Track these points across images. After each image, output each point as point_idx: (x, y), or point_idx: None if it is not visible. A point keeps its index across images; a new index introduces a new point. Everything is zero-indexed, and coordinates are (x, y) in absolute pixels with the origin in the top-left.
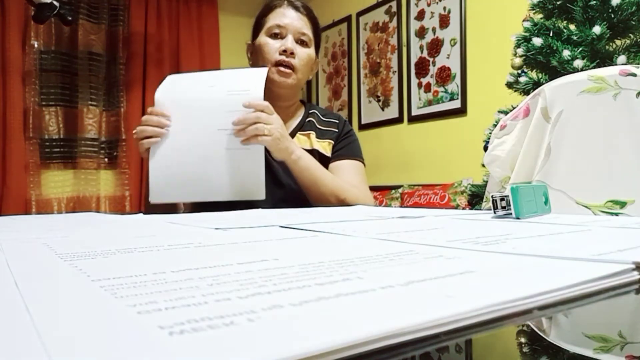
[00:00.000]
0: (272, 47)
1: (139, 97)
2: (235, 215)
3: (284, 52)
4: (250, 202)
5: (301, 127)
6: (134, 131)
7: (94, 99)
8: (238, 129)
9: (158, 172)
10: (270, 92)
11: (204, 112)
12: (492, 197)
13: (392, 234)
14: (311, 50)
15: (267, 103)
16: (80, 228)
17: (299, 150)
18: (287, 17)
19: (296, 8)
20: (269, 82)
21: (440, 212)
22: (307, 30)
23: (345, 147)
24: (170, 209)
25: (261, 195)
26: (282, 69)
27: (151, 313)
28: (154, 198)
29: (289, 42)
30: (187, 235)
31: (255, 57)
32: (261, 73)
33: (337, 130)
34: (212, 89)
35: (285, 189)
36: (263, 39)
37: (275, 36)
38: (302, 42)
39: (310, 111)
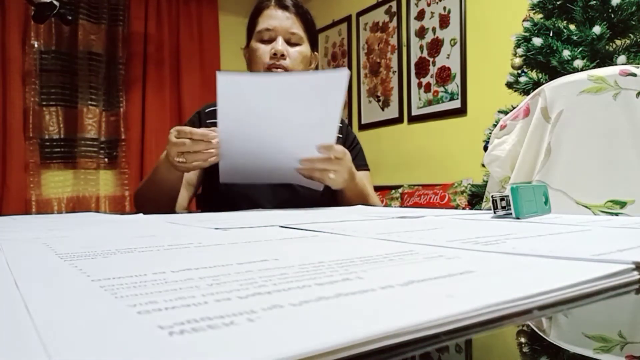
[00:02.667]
0: (263, 51)
1: (138, 97)
2: (235, 215)
3: (274, 55)
4: (253, 202)
5: None
6: (178, 158)
7: (94, 99)
8: (302, 167)
9: (228, 158)
10: None
11: (272, 140)
12: (492, 197)
13: (392, 234)
14: (303, 48)
15: (341, 149)
16: (80, 228)
17: (354, 174)
18: (275, 19)
19: (284, 7)
20: None
21: (440, 212)
22: (297, 28)
23: (355, 157)
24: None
25: (320, 187)
26: (274, 70)
27: (151, 313)
28: (224, 179)
29: (279, 45)
30: (187, 235)
31: (250, 61)
32: (338, 101)
33: (341, 136)
34: (284, 122)
35: (290, 190)
36: (254, 44)
37: (265, 40)
38: (293, 42)
39: None
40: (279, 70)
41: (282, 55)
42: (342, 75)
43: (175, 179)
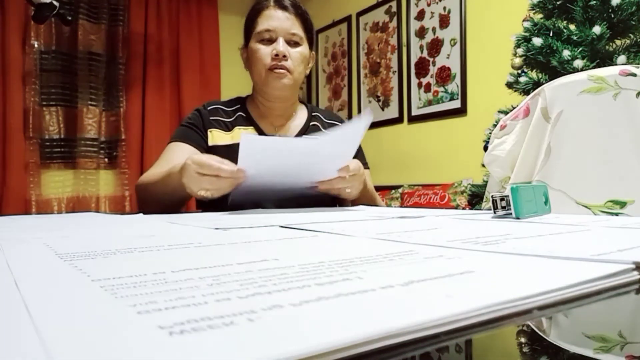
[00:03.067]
0: (263, 52)
1: (138, 97)
2: (235, 215)
3: (276, 56)
4: (255, 201)
5: (305, 131)
6: (201, 192)
7: (94, 99)
8: (320, 188)
9: (241, 187)
10: (269, 94)
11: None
12: (492, 197)
13: (392, 234)
14: (303, 48)
15: (355, 165)
16: (80, 228)
17: (365, 182)
18: (275, 20)
19: (284, 8)
20: (266, 85)
21: (440, 212)
22: (297, 29)
23: (355, 157)
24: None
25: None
26: (276, 71)
27: (151, 313)
28: (232, 203)
29: (280, 46)
30: (187, 235)
31: (249, 62)
32: (359, 131)
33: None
34: (305, 162)
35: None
36: (254, 45)
37: (265, 41)
38: (293, 42)
39: (313, 114)
40: (281, 70)
41: (284, 56)
42: (366, 118)
43: (189, 195)
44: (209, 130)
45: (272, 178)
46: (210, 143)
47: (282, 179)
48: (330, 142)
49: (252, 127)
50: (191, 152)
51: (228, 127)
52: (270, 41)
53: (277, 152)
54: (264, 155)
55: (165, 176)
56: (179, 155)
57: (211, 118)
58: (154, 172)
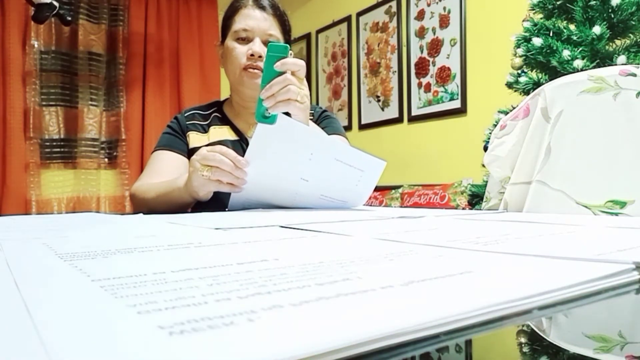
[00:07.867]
0: (239, 51)
1: (139, 97)
2: (235, 215)
3: (251, 56)
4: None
5: None
6: (203, 172)
7: (94, 99)
8: (268, 95)
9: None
10: (243, 94)
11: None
12: None
13: (392, 234)
14: None
15: (303, 63)
16: (80, 228)
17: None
18: (253, 19)
19: (262, 8)
20: (240, 85)
21: (440, 212)
22: (275, 30)
23: (326, 127)
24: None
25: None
26: (251, 70)
27: (151, 313)
28: (232, 208)
29: (257, 46)
30: (187, 235)
31: (225, 60)
32: (379, 168)
33: (312, 119)
34: (311, 158)
35: None
36: (230, 43)
37: (242, 40)
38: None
39: None
40: (255, 71)
41: (260, 57)
42: (380, 163)
43: (192, 202)
44: (187, 134)
45: (273, 175)
46: (190, 146)
47: (284, 176)
48: (345, 151)
49: (227, 126)
50: (177, 159)
51: (205, 129)
52: (247, 40)
53: (291, 138)
54: (279, 137)
55: (167, 192)
56: (167, 164)
57: (188, 123)
58: (149, 183)
